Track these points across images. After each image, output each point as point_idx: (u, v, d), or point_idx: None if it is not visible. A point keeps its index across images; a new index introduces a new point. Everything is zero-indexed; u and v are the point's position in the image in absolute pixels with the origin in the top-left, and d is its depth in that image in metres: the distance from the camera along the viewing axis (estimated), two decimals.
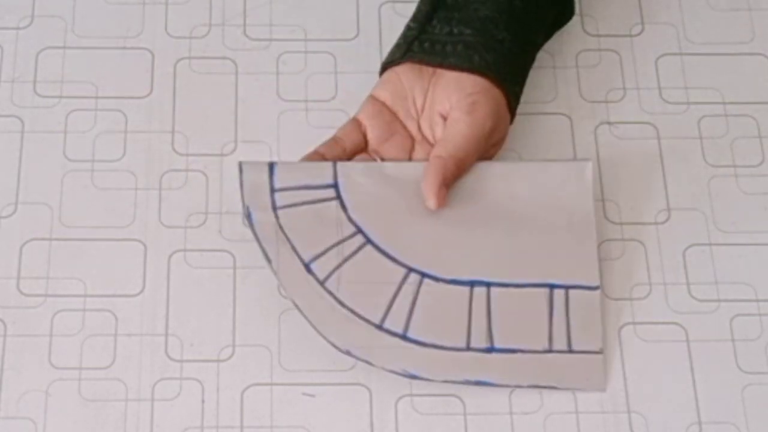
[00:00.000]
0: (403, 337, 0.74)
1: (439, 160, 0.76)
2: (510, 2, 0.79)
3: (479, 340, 0.74)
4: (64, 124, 0.83)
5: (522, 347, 0.74)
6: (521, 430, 0.75)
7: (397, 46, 0.81)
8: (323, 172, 0.77)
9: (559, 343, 0.75)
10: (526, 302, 0.75)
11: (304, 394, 0.75)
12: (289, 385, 0.76)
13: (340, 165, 0.77)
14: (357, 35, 0.86)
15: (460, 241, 0.76)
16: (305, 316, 0.74)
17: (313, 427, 0.75)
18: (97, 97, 0.84)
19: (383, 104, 0.79)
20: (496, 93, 0.78)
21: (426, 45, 0.79)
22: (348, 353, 0.74)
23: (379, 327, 0.74)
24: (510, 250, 0.76)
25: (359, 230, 0.75)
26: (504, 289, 0.75)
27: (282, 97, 0.84)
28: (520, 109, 0.81)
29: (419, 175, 0.77)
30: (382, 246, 0.75)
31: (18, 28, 0.86)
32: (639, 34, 0.87)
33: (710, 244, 0.80)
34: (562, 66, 0.86)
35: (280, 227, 0.75)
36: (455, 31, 0.79)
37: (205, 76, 0.85)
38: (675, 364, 0.77)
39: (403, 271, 0.75)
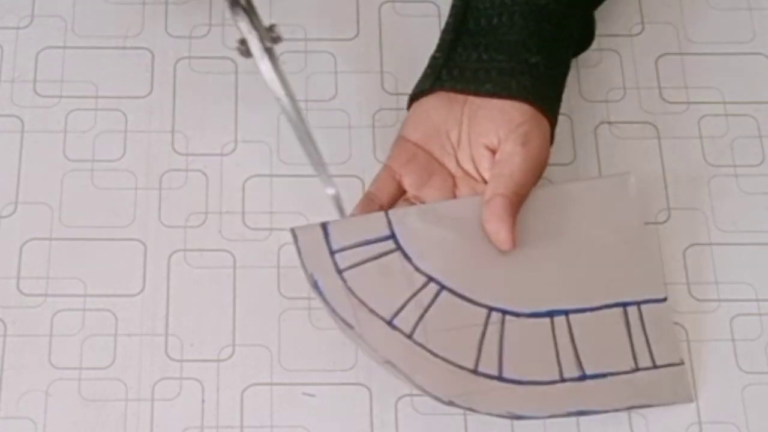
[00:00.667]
0: (500, 378, 0.72)
1: (502, 198, 0.73)
2: (539, 24, 0.76)
3: (571, 370, 0.73)
4: (64, 123, 0.83)
5: (611, 370, 0.73)
6: (521, 430, 0.75)
7: (425, 76, 0.78)
8: (378, 223, 0.74)
9: (644, 361, 0.74)
10: (604, 325, 0.74)
11: (304, 394, 0.75)
12: (289, 385, 0.76)
13: (392, 214, 0.75)
14: (357, 35, 0.86)
15: (528, 273, 0.75)
16: (404, 374, 0.72)
17: (313, 427, 0.75)
18: (97, 97, 0.84)
19: (416, 145, 0.76)
20: (543, 120, 0.75)
21: (455, 72, 0.76)
22: (451, 404, 0.72)
23: (475, 371, 0.72)
24: (577, 275, 0.75)
25: (430, 278, 0.73)
26: (581, 315, 0.74)
27: None
28: None
29: (475, 211, 0.74)
30: (458, 290, 0.73)
31: (18, 28, 0.86)
32: (639, 34, 0.87)
33: (710, 244, 0.80)
34: None
35: (351, 291, 0.73)
36: (485, 57, 0.76)
37: (205, 76, 0.85)
38: None
39: (484, 311, 0.73)
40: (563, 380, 0.73)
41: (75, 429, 0.74)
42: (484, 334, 0.73)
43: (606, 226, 0.76)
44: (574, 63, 0.86)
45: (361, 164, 0.82)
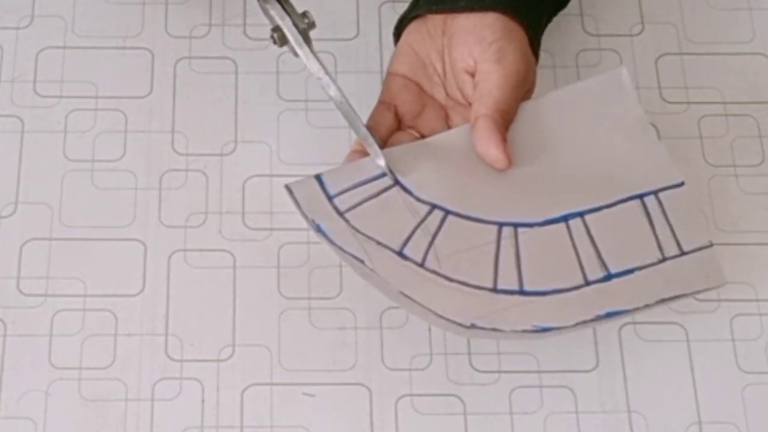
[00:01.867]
0: (521, 292, 0.70)
1: (485, 119, 0.72)
2: None
3: (594, 272, 0.70)
4: (64, 123, 0.83)
5: (637, 264, 0.71)
6: (521, 430, 0.75)
7: (407, 8, 0.78)
8: (372, 165, 0.74)
9: (670, 249, 0.71)
10: (623, 219, 0.72)
11: (304, 394, 0.75)
12: (289, 385, 0.76)
13: (386, 153, 0.74)
14: (357, 35, 0.86)
15: (535, 183, 0.73)
16: (420, 304, 0.70)
17: (313, 427, 0.75)
18: (97, 97, 0.84)
19: (405, 77, 0.77)
20: (518, 32, 0.74)
21: (424, 1, 0.77)
22: (473, 326, 0.69)
23: (494, 290, 0.70)
24: (586, 177, 0.73)
25: (434, 206, 0.72)
26: (598, 214, 0.72)
27: (282, 97, 0.84)
28: None
29: (467, 137, 0.73)
30: (464, 212, 0.72)
31: (18, 28, 0.86)
32: (639, 34, 0.87)
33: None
34: (562, 65, 0.86)
35: (355, 229, 0.72)
36: None
37: (205, 76, 0.85)
38: (675, 364, 0.77)
39: (494, 228, 0.72)
40: (588, 283, 0.70)
41: (75, 429, 0.74)
42: (498, 250, 0.71)
43: (607, 123, 0.75)
44: (573, 63, 0.86)
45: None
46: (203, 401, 0.75)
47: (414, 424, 0.75)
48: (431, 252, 0.71)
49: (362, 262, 0.71)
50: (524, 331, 0.69)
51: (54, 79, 0.84)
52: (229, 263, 0.79)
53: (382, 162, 0.73)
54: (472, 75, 0.74)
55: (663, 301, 0.71)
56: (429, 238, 0.72)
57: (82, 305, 0.77)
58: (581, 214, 0.72)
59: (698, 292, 0.71)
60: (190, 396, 0.75)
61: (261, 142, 0.83)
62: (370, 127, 0.75)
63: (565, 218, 0.72)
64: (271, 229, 0.80)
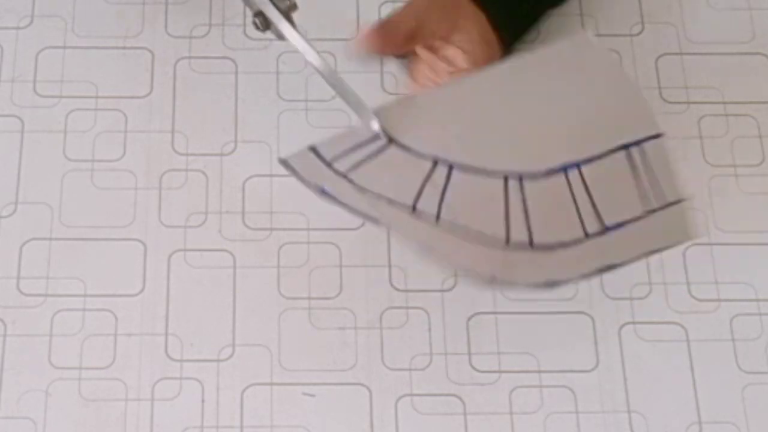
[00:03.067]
0: (531, 245, 0.70)
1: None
2: None
3: (592, 225, 0.71)
4: (64, 123, 0.83)
5: (627, 218, 0.71)
6: (521, 430, 0.75)
7: None
8: (363, 129, 0.73)
9: (657, 200, 0.72)
10: (613, 171, 0.72)
11: (304, 394, 0.75)
12: (289, 385, 0.76)
13: (377, 111, 0.73)
14: (357, 35, 0.86)
15: (531, 134, 0.73)
16: (441, 257, 0.70)
17: (313, 427, 0.75)
18: (97, 97, 0.84)
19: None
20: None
21: None
22: (493, 280, 0.70)
23: (507, 241, 0.70)
24: (577, 128, 0.73)
25: (436, 159, 0.72)
26: (591, 165, 0.72)
27: (282, 97, 0.84)
28: None
29: (457, 92, 0.73)
30: (468, 162, 0.72)
31: (18, 28, 0.86)
32: (639, 34, 0.87)
33: (710, 244, 0.80)
34: None
35: (362, 188, 0.71)
36: None
37: (205, 75, 0.85)
38: (675, 364, 0.77)
39: (500, 180, 0.72)
40: (588, 236, 0.71)
41: (75, 429, 0.74)
42: (507, 202, 0.71)
43: (587, 78, 0.75)
44: None
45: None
46: (203, 401, 0.75)
47: (414, 424, 0.75)
48: (444, 205, 0.71)
49: (377, 221, 0.71)
50: (536, 285, 0.70)
51: (54, 79, 0.84)
52: (229, 263, 0.79)
53: (376, 125, 0.72)
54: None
55: (651, 253, 0.71)
56: (439, 191, 0.71)
57: (82, 305, 0.77)
58: (578, 165, 0.72)
59: (681, 243, 0.72)
60: (190, 396, 0.75)
61: (261, 142, 0.83)
62: (391, 22, 0.75)
63: (564, 168, 0.72)
64: (271, 229, 0.80)
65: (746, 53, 0.87)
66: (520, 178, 0.72)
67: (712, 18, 0.88)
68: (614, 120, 0.74)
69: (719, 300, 0.79)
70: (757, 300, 0.79)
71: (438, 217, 0.71)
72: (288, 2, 0.75)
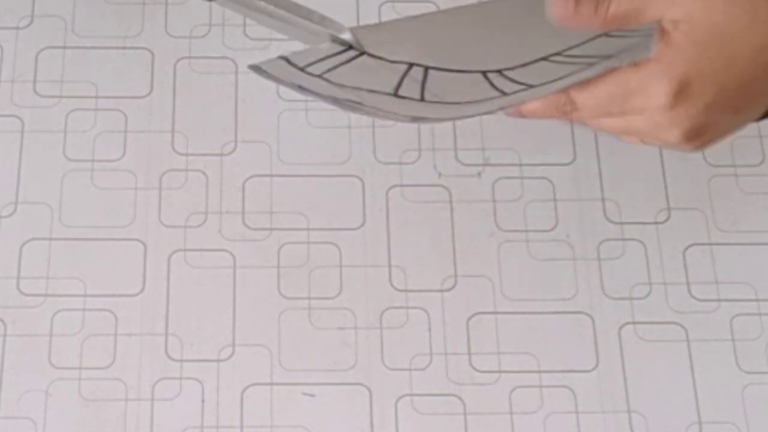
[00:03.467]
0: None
1: None
2: None
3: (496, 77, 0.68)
4: (64, 123, 0.83)
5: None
6: (521, 430, 0.75)
7: None
8: (334, 44, 0.71)
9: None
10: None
11: (304, 394, 0.75)
12: (289, 385, 0.76)
13: (351, 30, 0.71)
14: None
15: (504, 34, 0.70)
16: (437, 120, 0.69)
17: (313, 427, 0.75)
18: (97, 97, 0.84)
19: None
20: None
21: None
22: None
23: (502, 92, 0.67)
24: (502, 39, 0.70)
25: (410, 63, 0.70)
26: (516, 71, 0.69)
27: (282, 97, 0.84)
28: None
29: (428, 20, 0.72)
30: (444, 65, 0.69)
31: (18, 28, 0.86)
32: None
33: (710, 244, 0.80)
34: None
35: (340, 84, 0.69)
36: None
37: (205, 75, 0.85)
38: (675, 364, 0.77)
39: (480, 75, 0.68)
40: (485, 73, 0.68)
41: (75, 429, 0.74)
42: (491, 85, 0.68)
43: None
44: None
45: (361, 164, 0.82)
46: (203, 401, 0.75)
47: (414, 424, 0.75)
48: (426, 89, 0.69)
49: (360, 104, 0.68)
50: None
51: (54, 79, 0.84)
52: (229, 263, 0.79)
53: (347, 35, 0.70)
54: None
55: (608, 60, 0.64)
56: (419, 84, 0.69)
57: (82, 305, 0.77)
58: (500, 72, 0.69)
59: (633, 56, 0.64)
60: (190, 396, 0.75)
61: (261, 142, 0.83)
62: None
63: (484, 72, 0.69)
64: (271, 229, 0.80)
65: None
66: (500, 72, 0.68)
67: None
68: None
69: (719, 300, 0.79)
70: (757, 300, 0.79)
71: (422, 99, 0.68)
72: None
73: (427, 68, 0.70)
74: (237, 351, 0.76)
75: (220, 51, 0.86)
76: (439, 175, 0.82)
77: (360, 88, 0.69)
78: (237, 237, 0.80)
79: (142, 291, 0.78)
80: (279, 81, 0.70)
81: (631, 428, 0.75)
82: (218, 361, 0.76)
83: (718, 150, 0.83)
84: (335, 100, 0.68)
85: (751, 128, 0.84)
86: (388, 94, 0.69)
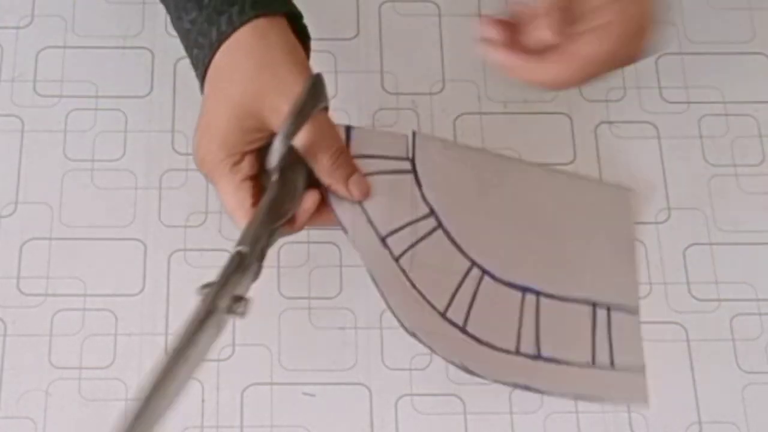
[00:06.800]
0: (463, 329, 0.73)
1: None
2: None
3: (528, 346, 0.74)
4: (64, 123, 0.83)
5: (566, 359, 0.74)
6: (521, 430, 0.75)
7: None
8: (400, 142, 0.75)
9: (602, 358, 0.75)
10: (571, 315, 0.75)
11: (304, 393, 0.75)
12: (289, 385, 0.76)
13: (418, 137, 0.75)
14: (357, 35, 0.86)
15: (516, 244, 0.76)
16: (379, 290, 0.72)
17: (313, 427, 0.75)
18: (97, 97, 0.84)
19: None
20: None
21: None
22: (414, 336, 0.71)
23: (443, 315, 0.73)
24: (558, 262, 0.76)
25: (432, 212, 0.74)
26: (552, 301, 0.75)
27: None
28: (520, 108, 0.81)
29: (493, 167, 0.76)
30: (452, 233, 0.74)
31: (18, 28, 0.86)
32: None
33: (710, 244, 0.80)
34: None
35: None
36: None
37: None
38: (675, 364, 0.77)
39: (467, 263, 0.74)
40: (518, 353, 0.74)
41: (75, 429, 0.74)
42: (461, 284, 0.74)
43: (598, 228, 0.78)
44: None
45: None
46: (203, 401, 0.75)
47: (414, 424, 0.75)
48: (410, 252, 0.73)
49: (346, 232, 0.71)
50: (452, 363, 0.72)
51: (54, 79, 0.84)
52: None
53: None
54: None
55: (578, 398, 0.74)
56: (414, 239, 0.73)
57: (82, 305, 0.77)
58: (538, 293, 0.75)
59: (615, 402, 0.75)
60: (190, 396, 0.75)
61: None
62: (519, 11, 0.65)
63: (524, 289, 0.75)
64: None
65: (746, 53, 0.87)
66: (483, 272, 0.75)
67: (712, 18, 0.88)
68: (600, 277, 0.77)
69: (719, 300, 0.79)
70: (757, 300, 0.79)
71: (398, 258, 0.73)
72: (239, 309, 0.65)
73: (438, 225, 0.74)
74: (237, 351, 0.76)
75: None
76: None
77: (365, 213, 0.72)
78: (237, 236, 0.79)
79: (142, 291, 0.78)
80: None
81: (631, 428, 0.75)
82: (218, 361, 0.76)
83: (718, 150, 0.83)
84: (335, 212, 0.72)
85: (751, 128, 0.84)
86: (378, 236, 0.72)
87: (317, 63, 0.85)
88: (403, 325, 0.71)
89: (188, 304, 0.77)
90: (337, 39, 0.86)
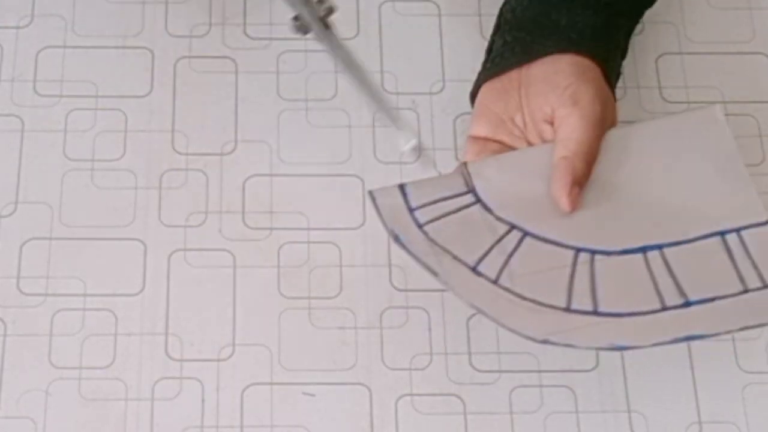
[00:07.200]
0: (596, 313, 0.71)
1: (564, 161, 0.73)
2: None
3: (673, 299, 0.71)
4: (64, 123, 0.83)
5: (718, 294, 0.71)
6: (521, 430, 0.75)
7: (478, 74, 0.80)
8: (456, 180, 0.75)
9: (753, 282, 0.72)
10: (703, 254, 0.72)
11: (304, 393, 0.75)
12: (289, 385, 0.76)
13: (470, 165, 0.75)
14: (357, 35, 0.86)
15: (617, 212, 0.74)
16: (492, 318, 0.71)
17: (313, 426, 0.75)
18: (97, 97, 0.84)
19: (485, 139, 0.77)
20: (592, 71, 0.75)
21: (496, 59, 0.78)
22: (546, 342, 0.70)
23: (567, 310, 0.71)
24: (668, 210, 0.74)
25: (513, 226, 0.73)
26: (677, 248, 0.73)
27: (282, 96, 0.84)
28: None
29: (549, 156, 0.74)
30: (542, 234, 0.73)
31: (18, 28, 0.86)
32: (639, 33, 0.87)
33: None
34: None
35: (433, 241, 0.73)
36: (509, 38, 0.78)
37: (205, 75, 0.85)
38: (675, 363, 0.77)
39: (571, 253, 0.73)
40: (665, 309, 0.71)
41: (75, 429, 0.74)
42: (573, 274, 0.72)
43: (696, 157, 0.75)
44: None
45: (361, 164, 0.82)
46: (203, 401, 0.75)
47: (414, 424, 0.75)
48: (506, 270, 0.72)
49: (437, 274, 0.72)
50: (599, 348, 0.71)
51: (54, 79, 0.84)
52: (229, 263, 0.79)
53: (414, 142, 0.72)
54: (551, 123, 0.75)
55: (746, 328, 0.71)
56: (505, 257, 0.72)
57: (82, 305, 0.77)
58: (660, 247, 0.73)
59: None
60: (190, 396, 0.75)
61: (261, 141, 0.83)
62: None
63: (643, 249, 0.73)
64: (271, 229, 0.80)
65: (746, 53, 0.87)
66: (593, 253, 0.73)
67: (712, 18, 0.88)
68: (715, 205, 0.74)
69: None
70: None
71: (496, 280, 0.72)
72: (325, 6, 0.72)
73: (525, 235, 0.73)
74: (237, 351, 0.77)
75: (220, 50, 0.86)
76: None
77: (447, 251, 0.72)
78: (237, 237, 0.80)
79: (142, 291, 0.78)
80: (382, 221, 0.73)
81: (631, 428, 0.75)
82: (218, 360, 0.76)
83: None
84: (418, 260, 0.72)
85: (752, 128, 0.84)
86: (468, 267, 0.72)
87: (317, 62, 0.85)
88: (531, 338, 0.70)
89: (188, 304, 0.78)
90: None
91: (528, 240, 0.73)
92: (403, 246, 0.72)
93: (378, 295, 0.78)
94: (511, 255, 0.72)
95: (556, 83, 0.74)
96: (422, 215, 0.73)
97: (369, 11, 0.87)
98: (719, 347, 0.77)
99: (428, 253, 0.72)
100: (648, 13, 0.88)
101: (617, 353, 0.77)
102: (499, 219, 0.73)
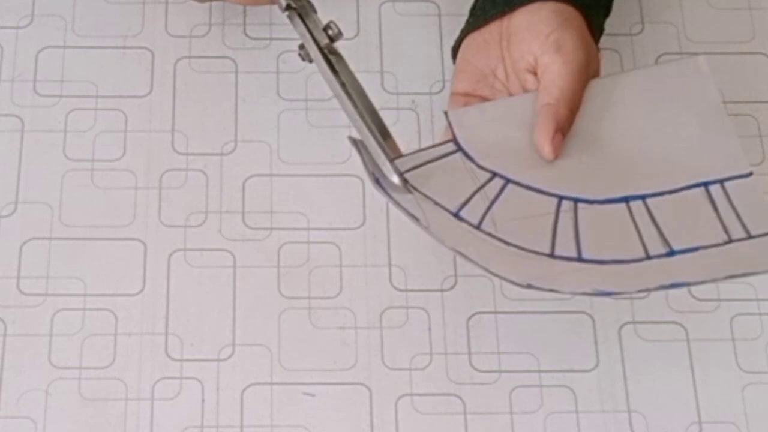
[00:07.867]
0: (579, 259, 0.70)
1: (547, 107, 0.72)
2: None
3: (656, 248, 0.70)
4: (64, 123, 0.83)
5: (702, 243, 0.70)
6: (521, 430, 0.75)
7: (463, 29, 0.79)
8: (442, 147, 0.74)
9: (737, 233, 0.71)
10: (687, 204, 0.72)
11: (304, 393, 0.75)
12: (289, 385, 0.76)
13: (451, 115, 0.74)
14: (357, 35, 0.86)
15: (599, 161, 0.73)
16: (475, 262, 0.70)
17: (313, 426, 0.75)
18: (97, 97, 0.84)
19: (466, 95, 0.76)
20: (575, 19, 0.75)
21: (478, 12, 0.77)
22: (530, 286, 0.69)
23: (552, 255, 0.70)
24: (651, 160, 0.73)
25: (495, 174, 0.73)
26: (660, 198, 0.72)
27: (282, 96, 0.84)
28: None
29: (532, 105, 0.74)
30: (524, 182, 0.72)
31: (18, 28, 0.86)
32: (639, 33, 0.87)
33: None
34: None
35: (414, 187, 0.72)
36: None
37: (205, 75, 0.85)
38: (675, 363, 0.77)
39: (554, 200, 0.72)
40: (649, 257, 0.70)
41: (75, 429, 0.74)
42: (556, 221, 0.71)
43: (680, 108, 0.75)
44: None
45: (360, 164, 0.82)
46: (203, 401, 0.75)
47: (414, 424, 0.75)
48: (488, 216, 0.71)
49: (417, 220, 0.71)
50: (584, 293, 0.70)
51: (54, 79, 0.84)
52: (229, 263, 0.79)
53: (395, 178, 0.73)
54: (534, 73, 0.74)
55: (731, 277, 0.70)
56: (487, 203, 0.72)
57: (82, 305, 0.77)
58: (643, 197, 0.72)
59: (766, 272, 0.70)
60: (190, 396, 0.75)
61: (261, 141, 0.83)
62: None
63: (626, 199, 0.72)
64: (271, 229, 0.80)
65: (746, 52, 0.87)
66: (576, 201, 0.72)
67: (712, 18, 0.88)
68: (699, 156, 0.73)
69: (719, 300, 0.79)
70: (757, 300, 0.79)
71: (479, 225, 0.71)
72: (331, 32, 0.75)
73: (507, 181, 0.72)
74: (237, 351, 0.77)
75: (220, 51, 0.86)
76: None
77: (428, 198, 0.72)
78: (237, 237, 0.80)
79: (142, 291, 0.78)
80: (364, 164, 0.73)
81: (631, 428, 0.75)
82: (218, 360, 0.76)
83: None
84: (398, 205, 0.72)
85: (752, 128, 0.84)
86: (450, 212, 0.71)
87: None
88: (515, 283, 0.69)
89: (188, 304, 0.78)
90: None
91: (510, 187, 0.72)
92: (382, 189, 0.72)
93: (378, 295, 0.78)
94: (493, 201, 0.72)
95: (538, 31, 0.74)
96: (402, 164, 0.73)
97: (369, 11, 0.87)
98: (719, 347, 0.77)
99: (409, 199, 0.72)
100: (648, 13, 0.88)
101: (617, 353, 0.77)
102: (480, 167, 0.73)
